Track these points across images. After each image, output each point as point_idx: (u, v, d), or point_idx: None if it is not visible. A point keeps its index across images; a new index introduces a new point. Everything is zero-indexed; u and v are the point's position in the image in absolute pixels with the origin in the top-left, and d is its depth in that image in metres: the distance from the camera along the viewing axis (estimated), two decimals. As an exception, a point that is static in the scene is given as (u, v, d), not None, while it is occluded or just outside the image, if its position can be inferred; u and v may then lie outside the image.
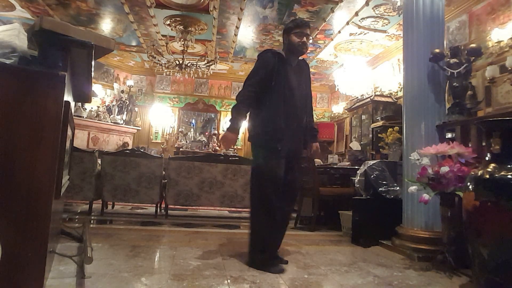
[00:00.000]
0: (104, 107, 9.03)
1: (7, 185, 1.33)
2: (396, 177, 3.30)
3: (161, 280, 1.90)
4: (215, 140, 9.33)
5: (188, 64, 7.23)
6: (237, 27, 6.45)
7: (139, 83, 9.93)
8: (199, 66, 7.32)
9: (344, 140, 8.68)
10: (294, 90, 2.40)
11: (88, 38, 1.61)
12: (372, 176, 3.28)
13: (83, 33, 1.63)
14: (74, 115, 2.51)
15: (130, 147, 8.68)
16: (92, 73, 1.92)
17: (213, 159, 4.24)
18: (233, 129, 2.33)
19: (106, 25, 6.80)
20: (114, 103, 9.19)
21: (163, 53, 7.16)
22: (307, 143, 2.56)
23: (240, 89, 2.41)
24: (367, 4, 5.32)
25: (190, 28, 6.59)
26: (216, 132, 9.70)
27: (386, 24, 6.00)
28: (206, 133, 9.85)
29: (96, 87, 8.36)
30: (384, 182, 3.25)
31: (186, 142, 9.50)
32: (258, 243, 2.28)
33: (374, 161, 3.45)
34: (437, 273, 2.31)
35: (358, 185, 3.46)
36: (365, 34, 6.44)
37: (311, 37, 2.56)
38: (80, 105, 7.90)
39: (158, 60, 7.20)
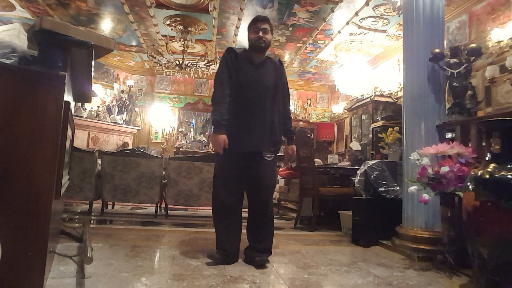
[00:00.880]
0: (104, 107, 9.03)
1: (7, 185, 1.33)
2: (396, 177, 3.30)
3: (161, 280, 1.90)
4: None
5: (188, 64, 7.23)
6: (237, 27, 6.45)
7: (139, 83, 9.93)
8: (199, 66, 7.32)
9: (344, 140, 8.69)
10: (252, 88, 2.36)
11: (88, 38, 1.61)
12: (372, 176, 3.28)
13: (83, 33, 1.63)
14: (74, 115, 2.51)
15: (130, 147, 8.68)
16: (92, 73, 1.92)
17: (213, 159, 4.22)
18: (217, 131, 2.31)
19: (106, 25, 6.80)
20: (114, 103, 9.19)
21: (163, 53, 7.16)
22: (277, 143, 2.45)
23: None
24: (367, 4, 5.32)
25: (190, 28, 6.59)
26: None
27: (386, 24, 6.01)
28: (206, 133, 9.84)
29: (96, 87, 8.36)
30: (384, 182, 3.25)
31: (186, 142, 9.50)
32: (216, 239, 2.41)
33: (374, 161, 3.45)
34: (437, 273, 2.31)
35: (358, 185, 3.46)
36: (365, 34, 6.44)
37: (268, 29, 2.41)
38: (80, 105, 7.90)
39: (158, 60, 7.20)
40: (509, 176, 1.66)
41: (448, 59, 2.97)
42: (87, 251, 1.94)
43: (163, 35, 6.84)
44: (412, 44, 3.08)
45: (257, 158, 2.36)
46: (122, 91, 9.28)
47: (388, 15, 5.67)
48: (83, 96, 2.37)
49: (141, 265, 2.15)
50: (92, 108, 8.53)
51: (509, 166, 1.70)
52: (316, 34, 6.55)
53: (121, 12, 6.13)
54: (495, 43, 4.39)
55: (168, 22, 6.46)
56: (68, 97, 1.64)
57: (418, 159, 2.49)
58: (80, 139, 8.08)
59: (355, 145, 6.42)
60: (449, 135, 2.94)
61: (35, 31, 1.49)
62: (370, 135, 6.36)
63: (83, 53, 1.66)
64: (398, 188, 3.21)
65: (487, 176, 1.74)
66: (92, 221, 3.73)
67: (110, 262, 2.18)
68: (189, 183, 4.09)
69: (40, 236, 1.36)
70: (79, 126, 7.99)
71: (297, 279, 2.06)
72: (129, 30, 6.98)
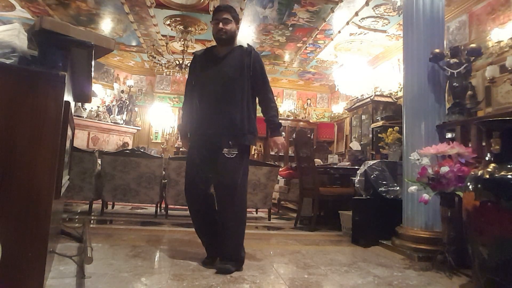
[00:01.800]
0: (104, 107, 9.03)
1: (7, 185, 1.33)
2: (396, 177, 3.30)
3: (161, 280, 1.90)
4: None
5: (188, 64, 7.22)
6: (237, 27, 6.44)
7: (139, 83, 9.93)
8: (199, 66, 7.31)
9: (344, 140, 8.69)
10: (212, 81, 2.28)
11: (88, 38, 1.61)
12: (372, 176, 3.28)
13: (83, 33, 1.63)
14: (74, 115, 2.51)
15: (130, 147, 8.68)
16: (92, 73, 1.92)
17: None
18: (181, 138, 2.65)
19: (106, 25, 6.80)
20: (114, 103, 9.19)
21: (163, 53, 7.16)
22: (238, 136, 2.23)
23: None
24: (367, 4, 5.32)
25: (190, 28, 6.59)
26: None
27: (386, 24, 6.01)
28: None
29: (96, 87, 8.36)
30: (384, 182, 3.25)
31: (186, 142, 9.48)
32: None
33: (374, 161, 3.45)
34: (437, 273, 2.31)
35: (358, 185, 3.46)
36: (365, 34, 6.44)
37: (230, 19, 2.30)
38: (80, 105, 7.90)
39: (158, 60, 7.20)
40: (509, 176, 1.66)
41: (448, 59, 2.97)
42: (87, 251, 1.94)
43: (163, 35, 6.84)
44: (412, 44, 3.08)
45: (218, 153, 2.21)
46: (122, 91, 9.28)
47: (388, 15, 5.67)
48: (83, 96, 2.37)
49: (141, 265, 2.15)
50: (92, 108, 8.53)
51: (509, 166, 1.70)
52: (316, 34, 6.55)
53: (121, 12, 6.13)
54: (495, 43, 4.39)
55: (168, 22, 6.46)
56: (68, 97, 1.64)
57: (418, 159, 2.49)
58: (80, 139, 8.08)
59: (355, 145, 6.42)
60: (449, 135, 2.94)
61: (35, 31, 1.49)
62: (370, 135, 6.36)
63: (83, 53, 1.66)
64: (398, 188, 3.21)
65: (487, 176, 1.74)
66: (92, 221, 3.73)
67: (110, 262, 2.18)
68: (189, 183, 4.08)
69: (40, 236, 1.36)
70: (79, 126, 7.99)
71: (297, 279, 2.06)
72: (129, 30, 6.98)
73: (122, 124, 9.19)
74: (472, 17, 4.97)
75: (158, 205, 4.27)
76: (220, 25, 2.27)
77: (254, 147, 9.17)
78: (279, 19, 6.03)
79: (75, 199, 4.22)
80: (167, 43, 6.57)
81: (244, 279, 2.00)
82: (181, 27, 6.56)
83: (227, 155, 2.20)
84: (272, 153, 8.13)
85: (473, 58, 2.91)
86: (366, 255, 2.79)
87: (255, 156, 9.15)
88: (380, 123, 5.94)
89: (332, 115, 9.69)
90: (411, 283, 2.10)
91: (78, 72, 1.93)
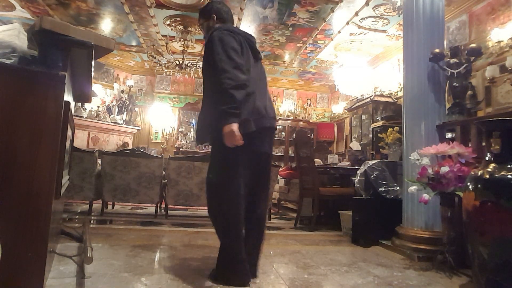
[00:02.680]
0: (104, 107, 9.03)
1: (7, 185, 1.33)
2: (396, 177, 3.30)
3: (161, 280, 1.90)
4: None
5: (188, 64, 7.23)
6: (237, 27, 6.44)
7: (139, 83, 9.93)
8: (199, 66, 7.32)
9: (344, 140, 8.69)
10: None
11: (88, 38, 1.61)
12: (372, 176, 3.28)
13: (83, 33, 1.63)
14: (74, 115, 2.51)
15: (130, 147, 8.68)
16: (92, 73, 1.92)
17: (213, 159, 4.23)
18: None
19: (106, 25, 6.79)
20: (114, 103, 9.19)
21: (163, 53, 7.16)
22: (201, 131, 2.05)
23: None
24: (367, 4, 5.31)
25: (190, 28, 6.58)
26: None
27: (386, 24, 6.00)
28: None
29: (96, 87, 8.36)
30: (384, 182, 3.25)
31: (186, 142, 9.50)
32: None
33: (374, 161, 3.45)
34: (437, 273, 2.31)
35: (358, 185, 3.46)
36: (365, 34, 6.44)
37: (200, 24, 2.30)
38: (80, 105, 7.90)
39: (158, 60, 7.20)
40: (509, 176, 1.66)
41: (448, 59, 2.97)
42: (87, 251, 1.94)
43: (163, 35, 6.84)
44: (412, 44, 3.08)
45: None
46: (122, 91, 9.28)
47: (388, 15, 5.67)
48: (83, 96, 2.37)
49: (141, 265, 2.15)
50: (92, 108, 8.53)
51: (509, 166, 1.70)
52: (316, 34, 6.55)
53: (121, 12, 6.13)
54: (495, 43, 4.39)
55: (168, 22, 6.46)
56: (68, 97, 1.64)
57: (418, 159, 2.49)
58: (80, 139, 8.08)
59: (355, 145, 6.42)
60: (449, 135, 2.94)
61: (35, 31, 1.49)
62: (370, 135, 6.36)
63: (83, 53, 1.66)
64: (398, 188, 3.21)
65: (487, 176, 1.74)
66: (92, 221, 3.73)
67: (110, 262, 2.18)
68: (189, 183, 4.09)
69: (40, 236, 1.36)
70: (79, 126, 7.99)
71: (297, 279, 2.06)
72: (129, 30, 6.98)
73: (122, 124, 9.19)
74: (472, 17, 4.97)
75: (158, 205, 4.27)
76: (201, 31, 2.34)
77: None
78: (279, 19, 6.03)
79: (75, 199, 4.22)
80: (167, 43, 6.56)
81: (244, 279, 1.99)
82: (181, 27, 6.56)
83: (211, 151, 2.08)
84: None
85: (473, 58, 2.91)
86: (366, 255, 2.79)
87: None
88: (380, 123, 5.94)
89: (332, 115, 9.69)
90: (411, 283, 2.10)
91: (78, 72, 1.93)
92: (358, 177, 3.46)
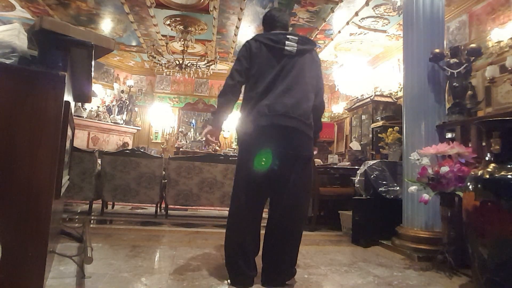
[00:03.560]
0: (104, 107, 9.04)
1: (7, 185, 1.33)
2: (396, 177, 3.30)
3: (161, 280, 1.90)
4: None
5: (188, 64, 7.23)
6: (237, 27, 6.45)
7: (139, 83, 9.93)
8: (199, 66, 7.32)
9: (344, 140, 8.68)
10: None
11: (88, 38, 1.61)
12: (372, 176, 3.28)
13: (83, 33, 1.63)
14: (74, 115, 2.51)
15: (130, 147, 8.68)
16: (92, 73, 1.92)
17: (213, 159, 4.24)
18: None
19: (106, 25, 6.80)
20: (114, 103, 9.20)
21: (163, 53, 7.16)
22: None
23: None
24: (367, 4, 5.31)
25: (190, 28, 6.59)
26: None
27: (386, 24, 6.00)
28: (207, 133, 9.81)
29: (96, 87, 8.36)
30: (384, 182, 3.25)
31: (186, 142, 9.50)
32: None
33: (374, 161, 3.45)
34: (437, 273, 2.31)
35: (358, 185, 3.46)
36: (365, 34, 6.44)
37: None
38: (80, 105, 7.90)
39: (158, 60, 7.20)
40: (509, 176, 1.66)
41: (448, 59, 2.97)
42: (87, 251, 1.94)
43: (163, 35, 6.84)
44: (412, 44, 3.08)
45: None
46: (122, 91, 9.28)
47: (388, 15, 5.67)
48: (83, 96, 2.37)
49: (141, 265, 2.15)
50: (92, 108, 8.54)
51: (509, 166, 1.70)
52: (316, 34, 6.55)
53: (121, 12, 6.13)
54: (495, 43, 4.39)
55: (168, 22, 6.46)
56: (68, 97, 1.64)
57: (418, 159, 2.49)
58: (80, 139, 8.09)
59: (355, 145, 6.42)
60: (449, 135, 2.94)
61: (35, 31, 1.49)
62: (370, 135, 6.35)
63: (83, 53, 1.66)
64: (398, 188, 3.21)
65: (487, 176, 1.74)
66: (92, 221, 3.73)
67: (110, 262, 2.18)
68: (189, 183, 4.09)
69: (40, 236, 1.36)
70: (79, 126, 7.99)
71: (297, 279, 2.06)
72: (129, 30, 6.98)
73: (122, 124, 9.19)
74: (472, 17, 4.97)
75: (158, 205, 4.27)
76: None
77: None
78: (279, 19, 6.02)
79: (75, 199, 4.22)
80: (167, 43, 6.56)
81: (244, 279, 1.99)
82: (181, 27, 6.57)
83: None
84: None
85: (473, 58, 2.91)
86: (366, 255, 2.79)
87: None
88: (380, 123, 5.94)
89: (332, 115, 9.68)
90: (411, 283, 2.10)
91: (78, 72, 1.93)
92: (358, 177, 3.46)
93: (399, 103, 6.00)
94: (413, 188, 2.45)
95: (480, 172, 1.81)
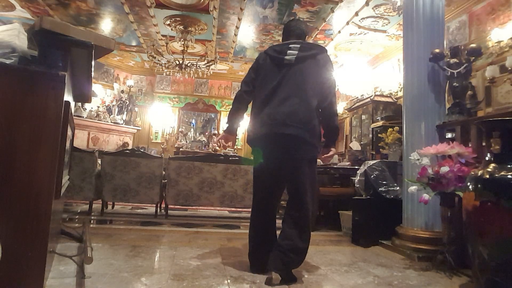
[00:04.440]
0: (104, 107, 9.04)
1: (7, 185, 1.33)
2: (396, 177, 3.30)
3: (161, 280, 1.90)
4: (215, 140, 9.32)
5: (188, 64, 7.23)
6: (237, 27, 6.45)
7: (139, 83, 9.93)
8: (199, 66, 7.32)
9: (344, 140, 8.68)
10: None
11: (88, 38, 1.61)
12: (372, 176, 3.28)
13: (83, 33, 1.63)
14: (74, 115, 2.51)
15: (130, 147, 8.68)
16: (92, 73, 1.92)
17: (213, 159, 4.24)
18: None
19: (106, 25, 6.80)
20: (114, 103, 9.20)
21: (163, 53, 7.16)
22: None
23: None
24: (367, 4, 5.31)
25: (190, 28, 6.59)
26: (216, 132, 9.70)
27: (386, 24, 6.00)
28: (206, 133, 9.85)
29: (96, 87, 8.36)
30: (384, 182, 3.25)
31: (186, 142, 9.50)
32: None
33: (374, 161, 3.45)
34: (437, 273, 2.31)
35: (358, 185, 3.46)
36: (365, 34, 6.44)
37: None
38: (80, 105, 7.90)
39: (158, 60, 7.20)
40: (509, 176, 1.66)
41: (448, 59, 2.97)
42: (87, 251, 1.94)
43: (163, 35, 6.84)
44: (412, 44, 3.08)
45: None
46: (122, 91, 9.28)
47: (388, 15, 5.67)
48: (83, 96, 2.37)
49: (141, 265, 2.15)
50: (92, 108, 8.54)
51: (509, 166, 1.70)
52: (316, 34, 6.55)
53: (121, 12, 6.13)
54: (495, 43, 4.39)
55: (168, 22, 6.46)
56: (68, 97, 1.64)
57: (418, 159, 2.49)
58: (80, 139, 8.09)
59: (355, 145, 6.42)
60: (449, 135, 2.94)
61: (35, 31, 1.49)
62: (370, 135, 6.35)
63: (83, 53, 1.66)
64: (398, 188, 3.21)
65: (487, 176, 1.74)
66: (92, 221, 3.73)
67: (110, 262, 2.18)
68: (189, 183, 4.09)
69: (40, 236, 1.36)
70: (79, 126, 7.99)
71: (297, 279, 2.06)
72: (129, 30, 6.98)
73: (122, 124, 9.19)
74: (472, 17, 4.97)
75: (158, 205, 4.27)
76: None
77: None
78: (279, 19, 6.02)
79: (75, 199, 4.22)
80: (167, 43, 6.56)
81: (244, 279, 2.00)
82: (181, 27, 6.56)
83: None
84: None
85: (473, 58, 2.91)
86: (366, 255, 2.79)
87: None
88: (380, 123, 5.94)
89: (332, 115, 9.66)
90: (411, 283, 2.10)
91: (78, 72, 1.93)
92: (358, 177, 3.46)
93: (399, 103, 6.00)
94: (413, 188, 2.45)
95: (480, 172, 1.81)
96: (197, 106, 10.06)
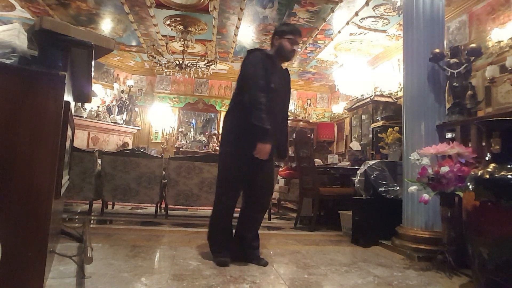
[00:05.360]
0: (104, 107, 9.03)
1: (7, 185, 1.33)
2: (396, 177, 3.29)
3: (161, 280, 1.90)
4: (215, 140, 9.32)
5: (188, 64, 7.23)
6: (237, 27, 6.45)
7: (139, 83, 9.93)
8: (199, 66, 7.32)
9: (344, 140, 8.69)
10: (279, 93, 2.44)
11: (88, 38, 1.61)
12: (372, 176, 3.28)
13: (83, 33, 1.63)
14: (74, 115, 2.51)
15: (130, 147, 8.68)
16: (92, 73, 1.92)
17: (213, 159, 4.23)
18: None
19: (106, 25, 6.80)
20: (114, 103, 9.19)
21: (163, 53, 7.16)
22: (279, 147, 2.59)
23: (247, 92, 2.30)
24: (367, 4, 5.32)
25: (190, 28, 6.59)
26: (216, 132, 9.70)
27: (386, 24, 6.00)
28: (206, 133, 9.85)
29: (96, 87, 8.36)
30: (384, 182, 3.24)
31: (186, 142, 9.50)
32: None
33: (374, 161, 3.44)
34: (437, 273, 2.31)
35: (358, 185, 3.46)
36: (365, 34, 6.44)
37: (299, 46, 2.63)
38: (80, 105, 7.90)
39: (158, 60, 7.20)
40: (509, 176, 1.66)
41: (448, 59, 2.96)
42: (87, 251, 1.94)
43: (163, 35, 6.84)
44: (412, 44, 3.08)
45: (265, 161, 2.41)
46: (122, 91, 9.28)
47: (388, 15, 5.67)
48: (83, 96, 2.37)
49: (141, 265, 2.15)
50: (92, 108, 8.53)
51: (509, 166, 1.70)
52: (316, 34, 6.55)
53: (121, 12, 6.13)
54: (495, 43, 4.39)
55: (168, 22, 6.46)
56: (68, 97, 1.64)
57: (418, 159, 2.49)
58: (80, 139, 8.08)
59: (355, 145, 6.42)
60: (449, 135, 2.94)
61: (35, 31, 1.49)
62: (370, 135, 6.36)
63: (83, 53, 1.66)
64: (398, 188, 3.21)
65: (487, 176, 1.74)
66: (92, 221, 3.73)
67: (110, 262, 2.18)
68: (189, 183, 4.09)
69: (40, 236, 1.36)
70: (79, 126, 7.99)
71: (297, 279, 2.06)
72: (129, 30, 6.98)
73: (122, 124, 9.19)
74: (472, 17, 4.97)
75: (158, 205, 4.27)
76: (295, 47, 2.46)
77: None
78: (279, 19, 6.02)
79: (75, 199, 4.22)
80: (167, 43, 6.56)
81: (244, 279, 2.00)
82: (181, 27, 6.56)
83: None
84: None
85: (473, 58, 2.91)
86: (366, 255, 2.79)
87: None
88: (380, 123, 5.94)
89: (332, 115, 9.69)
90: (411, 283, 2.10)
91: (78, 72, 1.93)
92: (358, 177, 3.45)
93: (399, 103, 6.00)
94: (413, 188, 2.45)
95: (480, 172, 1.81)
96: (197, 106, 10.06)
